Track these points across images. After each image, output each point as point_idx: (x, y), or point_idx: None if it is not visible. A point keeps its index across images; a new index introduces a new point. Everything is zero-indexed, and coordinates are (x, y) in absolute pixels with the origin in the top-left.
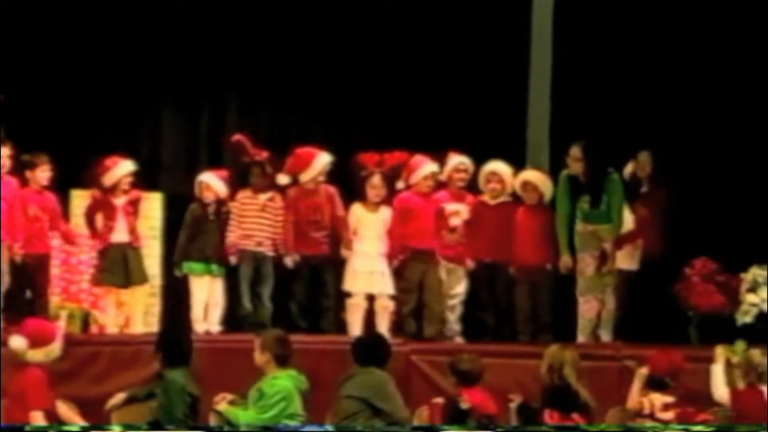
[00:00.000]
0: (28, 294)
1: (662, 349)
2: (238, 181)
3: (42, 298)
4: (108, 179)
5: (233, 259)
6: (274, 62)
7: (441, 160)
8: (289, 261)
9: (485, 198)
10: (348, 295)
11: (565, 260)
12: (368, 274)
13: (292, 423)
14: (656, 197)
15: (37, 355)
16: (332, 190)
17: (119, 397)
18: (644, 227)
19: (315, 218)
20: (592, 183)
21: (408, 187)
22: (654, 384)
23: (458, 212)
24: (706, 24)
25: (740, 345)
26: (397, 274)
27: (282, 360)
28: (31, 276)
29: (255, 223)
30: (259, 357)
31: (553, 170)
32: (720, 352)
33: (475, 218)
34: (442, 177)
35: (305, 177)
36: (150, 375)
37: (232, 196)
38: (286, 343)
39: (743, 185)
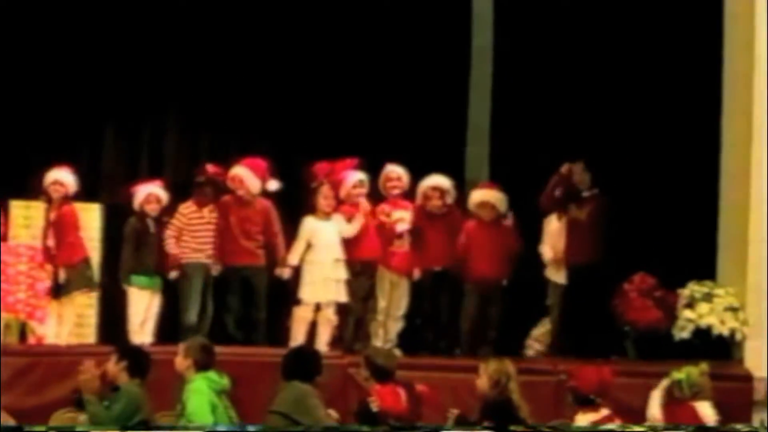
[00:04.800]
0: None
1: (591, 364)
2: (177, 193)
3: None
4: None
5: (174, 273)
6: (215, 73)
7: (377, 172)
8: (213, 270)
9: (429, 208)
10: (297, 303)
11: None
12: (323, 283)
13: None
14: (591, 209)
15: None
16: (268, 204)
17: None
18: (577, 239)
19: (245, 228)
20: None
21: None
22: (581, 401)
23: (403, 218)
24: (644, 37)
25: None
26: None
27: (202, 366)
28: None
29: (203, 236)
30: (181, 362)
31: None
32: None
33: (420, 227)
34: (379, 188)
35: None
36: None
37: (171, 208)
38: (209, 351)
39: (682, 201)
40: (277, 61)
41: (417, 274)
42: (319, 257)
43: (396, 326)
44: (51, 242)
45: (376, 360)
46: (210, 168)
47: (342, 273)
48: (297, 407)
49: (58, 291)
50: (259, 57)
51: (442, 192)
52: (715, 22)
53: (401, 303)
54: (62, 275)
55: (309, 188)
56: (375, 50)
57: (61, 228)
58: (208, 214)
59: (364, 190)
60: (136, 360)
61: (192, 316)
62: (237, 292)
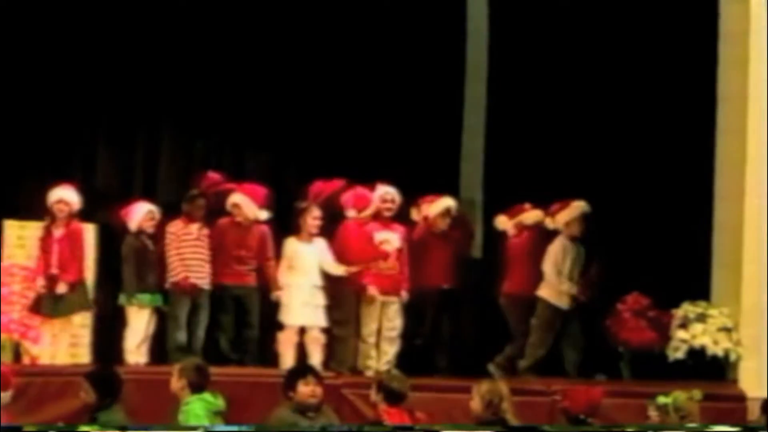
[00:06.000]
0: None
1: (584, 384)
2: (169, 212)
3: None
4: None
5: (177, 291)
6: (208, 92)
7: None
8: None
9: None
10: (281, 327)
11: None
12: (302, 306)
13: None
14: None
15: None
16: (265, 229)
17: None
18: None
19: (238, 254)
20: None
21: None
22: (573, 421)
23: (389, 240)
24: (639, 54)
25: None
26: (335, 306)
27: (197, 387)
28: None
29: (192, 253)
30: (175, 383)
31: (486, 201)
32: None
33: (427, 246)
34: (372, 208)
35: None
36: (81, 406)
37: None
38: (204, 372)
39: (676, 221)
40: (272, 81)
41: (404, 295)
42: (298, 281)
43: (392, 347)
44: (54, 261)
45: (391, 384)
46: (211, 176)
47: (320, 299)
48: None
49: (54, 309)
50: (252, 76)
51: (449, 212)
52: (710, 40)
53: (395, 323)
54: (63, 292)
55: (296, 209)
56: (369, 68)
57: (71, 246)
58: (197, 231)
59: (394, 206)
60: (105, 385)
61: (180, 336)
62: (230, 311)
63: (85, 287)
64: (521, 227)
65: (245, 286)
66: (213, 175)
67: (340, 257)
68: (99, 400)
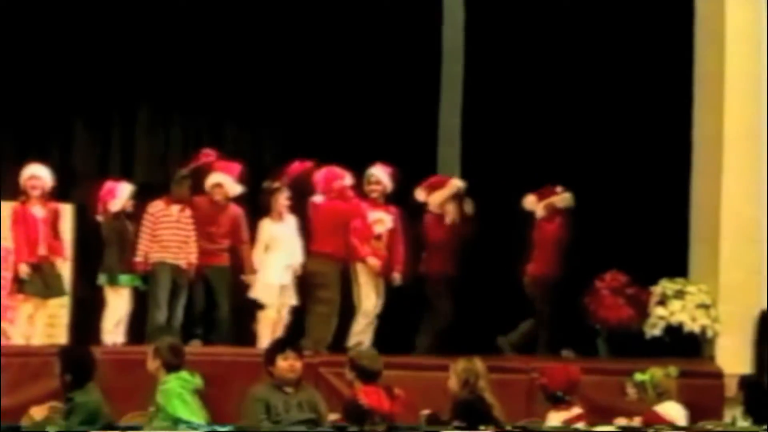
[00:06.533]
0: None
1: (561, 362)
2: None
3: None
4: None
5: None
6: (187, 71)
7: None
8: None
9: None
10: (260, 306)
11: None
12: (280, 287)
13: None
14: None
15: None
16: (239, 211)
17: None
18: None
19: (208, 231)
20: None
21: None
22: (552, 399)
23: (381, 220)
24: (616, 37)
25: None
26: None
27: (172, 367)
28: None
29: (172, 234)
30: (151, 363)
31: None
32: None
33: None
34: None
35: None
36: (59, 387)
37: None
38: (179, 351)
39: (654, 198)
40: (250, 63)
41: (398, 277)
42: (274, 260)
43: (371, 326)
44: (38, 240)
45: (362, 362)
46: (206, 153)
47: (290, 278)
48: None
49: (37, 289)
50: (230, 58)
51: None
52: (686, 19)
53: (377, 303)
54: (47, 273)
55: (267, 189)
56: (345, 50)
57: (52, 225)
58: (177, 212)
59: (382, 188)
60: (78, 367)
61: (159, 316)
62: (200, 290)
63: (56, 270)
64: (552, 209)
65: (215, 266)
66: (209, 152)
67: (326, 234)
68: (73, 380)
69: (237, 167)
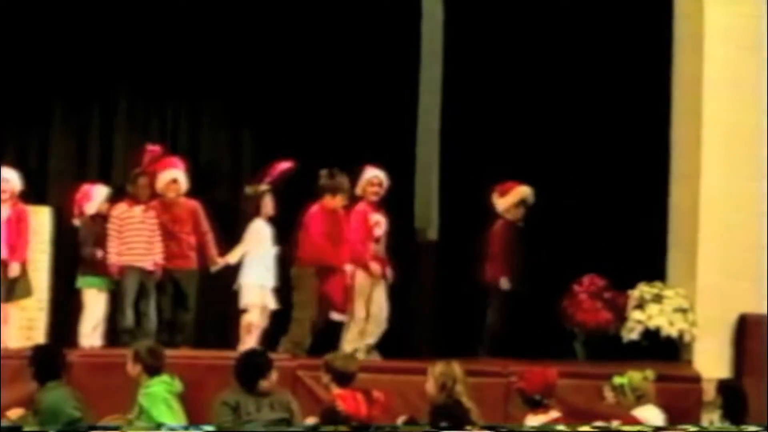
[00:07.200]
0: None
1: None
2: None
3: None
4: None
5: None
6: (166, 73)
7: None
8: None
9: None
10: (244, 309)
11: None
12: (260, 288)
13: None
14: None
15: None
16: (195, 204)
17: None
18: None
19: (173, 230)
20: None
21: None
22: (529, 402)
23: (379, 223)
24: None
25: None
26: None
27: (153, 370)
28: None
29: (135, 236)
30: (131, 368)
31: (443, 187)
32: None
33: None
34: (358, 190)
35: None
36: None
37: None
38: (158, 355)
39: (632, 202)
40: (227, 65)
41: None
42: (262, 261)
43: (378, 330)
44: (4, 243)
45: (335, 364)
46: (151, 149)
47: (271, 281)
48: None
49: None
50: (208, 61)
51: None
52: (665, 18)
53: (382, 306)
54: (15, 275)
55: (256, 192)
56: (324, 51)
57: (19, 228)
58: (141, 213)
59: (381, 190)
60: (44, 366)
61: (127, 320)
62: (167, 293)
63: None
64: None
65: (184, 269)
66: (153, 148)
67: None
68: (36, 378)
69: (180, 161)
